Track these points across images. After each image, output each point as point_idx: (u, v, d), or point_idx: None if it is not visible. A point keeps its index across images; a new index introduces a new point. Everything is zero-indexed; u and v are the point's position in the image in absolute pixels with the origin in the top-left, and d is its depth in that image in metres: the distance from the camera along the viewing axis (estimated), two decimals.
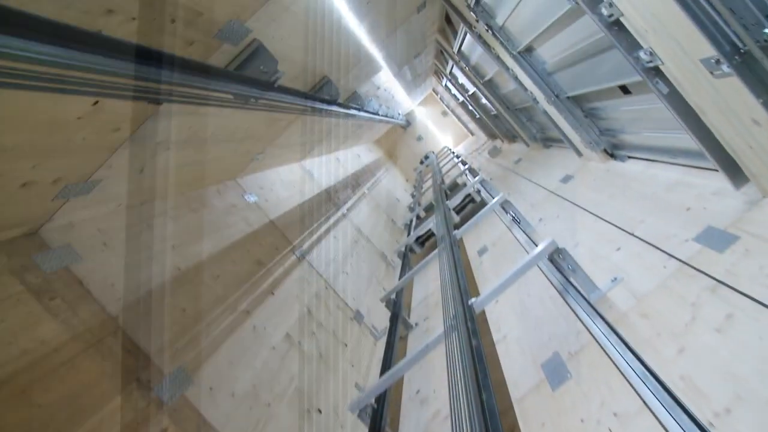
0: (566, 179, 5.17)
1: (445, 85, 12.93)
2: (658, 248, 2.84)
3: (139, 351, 2.78)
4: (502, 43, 4.54)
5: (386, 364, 3.86)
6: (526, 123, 7.25)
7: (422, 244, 6.28)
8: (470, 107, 11.74)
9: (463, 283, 3.20)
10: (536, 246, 3.96)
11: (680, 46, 2.03)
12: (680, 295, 2.34)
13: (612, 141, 4.50)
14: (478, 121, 13.04)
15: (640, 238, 3.07)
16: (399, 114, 15.22)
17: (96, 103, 2.02)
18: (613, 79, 3.34)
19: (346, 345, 4.78)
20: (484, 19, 4.44)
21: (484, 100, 9.19)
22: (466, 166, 8.38)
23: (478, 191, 5.80)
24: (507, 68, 5.16)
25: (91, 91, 1.76)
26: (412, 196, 12.77)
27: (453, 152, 13.74)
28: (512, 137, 9.90)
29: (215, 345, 3.29)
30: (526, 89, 5.14)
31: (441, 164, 13.52)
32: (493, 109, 8.58)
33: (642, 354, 2.18)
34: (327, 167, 9.49)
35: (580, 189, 4.60)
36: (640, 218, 3.28)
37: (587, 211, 4.06)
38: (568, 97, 4.45)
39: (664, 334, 2.20)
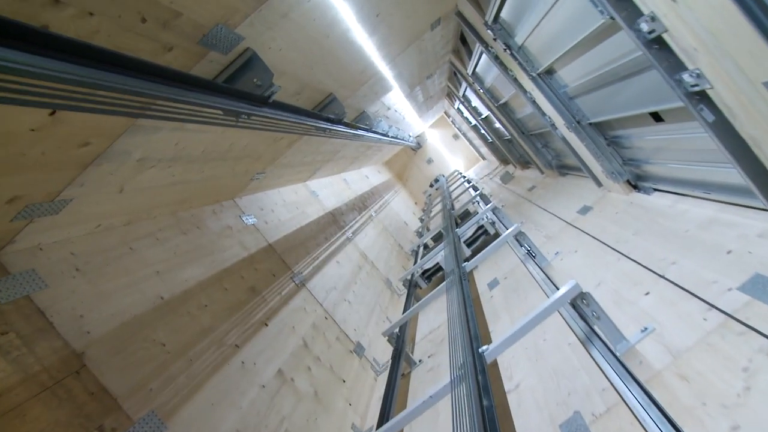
0: (584, 210, 4.84)
1: (458, 107, 12.69)
2: (695, 295, 2.50)
3: (105, 393, 2.46)
4: (520, 64, 4.26)
5: (385, 410, 3.52)
6: (542, 149, 6.94)
7: (429, 278, 5.95)
8: (483, 131, 11.46)
9: (473, 327, 2.87)
10: (553, 284, 3.66)
11: (738, 67, 1.72)
12: (728, 356, 2.00)
13: (636, 171, 4.19)
14: (491, 146, 12.76)
15: (672, 282, 2.74)
16: (409, 136, 14.98)
17: (53, 113, 1.73)
18: (644, 105, 3.03)
19: (344, 381, 4.44)
20: (502, 38, 4.16)
21: (497, 124, 8.91)
22: (478, 192, 8.07)
23: (492, 223, 5.47)
24: (524, 91, 4.87)
25: (43, 102, 1.47)
26: (421, 220, 12.45)
27: (464, 176, 13.45)
28: (526, 163, 9.60)
29: (197, 384, 2.96)
30: (544, 114, 4.84)
31: (451, 188, 13.23)
32: (507, 134, 8.30)
33: (684, 427, 1.84)
34: (333, 188, 9.21)
35: (601, 222, 4.28)
36: (671, 259, 2.95)
37: (609, 246, 3.73)
38: (591, 124, 4.15)
39: (710, 405, 1.86)
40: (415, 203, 18.84)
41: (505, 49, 4.24)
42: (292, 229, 6.02)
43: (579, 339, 2.85)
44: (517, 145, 8.24)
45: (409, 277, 6.43)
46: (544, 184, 7.26)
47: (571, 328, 2.99)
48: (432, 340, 4.92)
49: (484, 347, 2.54)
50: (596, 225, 4.28)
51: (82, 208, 2.67)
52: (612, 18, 2.31)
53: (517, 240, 4.41)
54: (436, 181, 18.75)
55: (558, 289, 3.27)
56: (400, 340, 4.55)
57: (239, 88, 2.41)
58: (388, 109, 7.75)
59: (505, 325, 3.86)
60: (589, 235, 4.22)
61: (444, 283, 4.44)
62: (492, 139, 10.74)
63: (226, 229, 4.61)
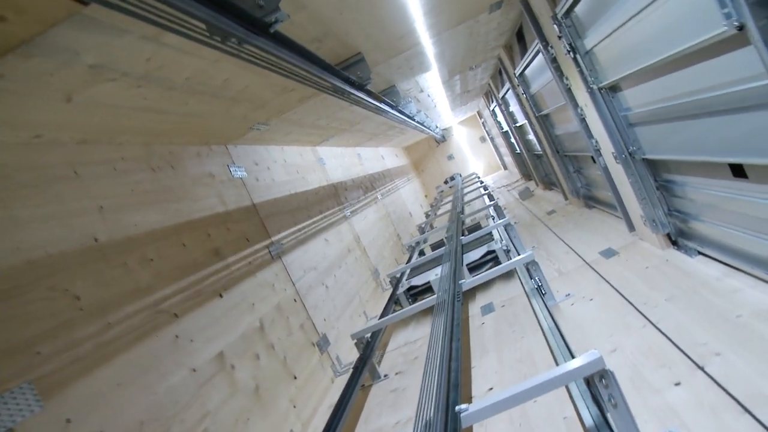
0: (608, 254, 4.25)
1: (493, 109, 12.02)
2: (745, 409, 1.92)
3: None
4: (581, 72, 3.64)
5: (332, 426, 2.96)
6: (573, 173, 6.33)
7: (415, 296, 5.17)
8: (513, 139, 10.81)
9: (455, 371, 2.30)
10: (560, 333, 3.06)
11: None
12: None
13: (680, 226, 3.59)
14: (517, 157, 12.11)
15: (714, 380, 2.16)
16: (436, 126, 14.34)
17: None
18: (731, 153, 2.42)
19: (295, 378, 3.89)
20: (569, 37, 3.54)
21: (531, 136, 8.27)
22: (492, 203, 7.47)
23: (507, 250, 4.84)
24: (576, 105, 4.26)
25: None
26: (427, 215, 11.86)
27: (481, 181, 12.83)
28: (550, 184, 8.98)
29: (106, 356, 2.40)
30: (591, 136, 4.23)
31: (465, 190, 12.62)
32: (539, 149, 7.67)
33: None
34: (344, 160, 8.63)
35: (626, 273, 3.69)
36: (715, 347, 2.37)
37: (633, 306, 3.15)
38: (644, 160, 3.54)
39: None
40: (425, 196, 18.24)
41: (568, 51, 3.62)
42: (285, 193, 5.44)
43: (580, 417, 2.27)
44: (547, 163, 7.61)
45: (398, 275, 5.86)
46: (565, 212, 6.65)
47: (572, 400, 2.41)
48: (405, 353, 4.35)
49: (463, 407, 1.96)
50: (620, 275, 3.69)
51: (10, 109, 2.09)
52: (740, 27, 1.71)
53: (528, 269, 3.82)
54: (452, 179, 18.15)
55: (567, 346, 2.69)
56: (369, 348, 3.98)
57: (232, 1, 1.82)
58: (421, 91, 7.12)
59: (491, 364, 3.29)
60: (609, 284, 3.63)
61: (434, 297, 3.87)
62: (521, 150, 10.10)
63: (206, 176, 4.03)
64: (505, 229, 5.55)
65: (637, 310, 3.07)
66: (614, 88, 3.46)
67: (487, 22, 4.76)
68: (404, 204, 12.69)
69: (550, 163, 7.13)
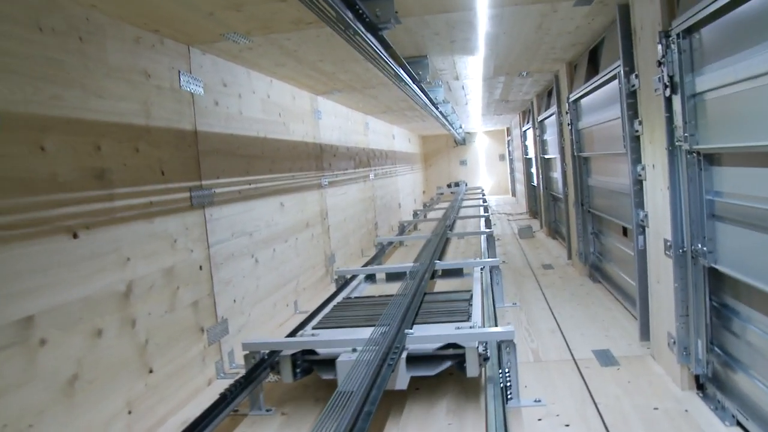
0: (605, 358, 3.24)
1: (524, 131, 10.91)
2: None
3: None
4: (670, 121, 2.58)
5: None
6: (589, 235, 5.28)
7: (307, 370, 3.09)
8: (534, 170, 9.74)
9: None
10: None
11: None
12: None
13: (718, 369, 2.57)
14: (531, 189, 11.04)
15: None
16: (460, 127, 13.23)
17: None
18: None
19: (150, 371, 2.85)
20: (675, 66, 2.46)
21: (556, 174, 7.21)
22: (488, 231, 6.41)
23: (485, 357, 2.72)
24: (636, 161, 3.22)
25: None
26: (415, 214, 10.81)
27: (484, 199, 11.77)
28: (556, 232, 7.93)
29: None
30: (640, 206, 3.20)
31: (464, 203, 11.56)
32: (560, 192, 6.60)
33: None
34: (346, 123, 7.54)
35: (624, 403, 2.67)
36: None
37: None
38: (710, 269, 2.49)
39: None
40: (423, 192, 17.17)
41: (665, 86, 2.54)
42: (251, 133, 4.35)
43: None
44: (563, 210, 6.56)
45: (348, 277, 4.80)
46: (564, 272, 5.62)
47: None
48: (307, 385, 3.31)
49: None
50: (615, 404, 2.67)
51: None
52: None
53: (499, 347, 2.78)
54: (457, 185, 17.11)
55: None
56: (262, 368, 2.93)
57: None
58: (456, 78, 6.02)
59: None
60: (598, 411, 2.61)
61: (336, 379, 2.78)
62: (538, 184, 9.03)
63: (135, 72, 2.95)
64: (490, 271, 4.52)
65: None
66: (713, 159, 2.39)
67: (564, 18, 3.67)
68: (397, 192, 11.62)
69: (567, 211, 6.08)
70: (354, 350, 2.72)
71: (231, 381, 2.83)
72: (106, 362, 2.52)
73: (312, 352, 2.89)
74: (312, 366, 2.93)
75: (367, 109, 8.22)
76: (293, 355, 2.87)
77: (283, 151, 4.99)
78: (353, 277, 4.79)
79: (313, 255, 5.63)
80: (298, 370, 2.88)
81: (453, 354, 2.72)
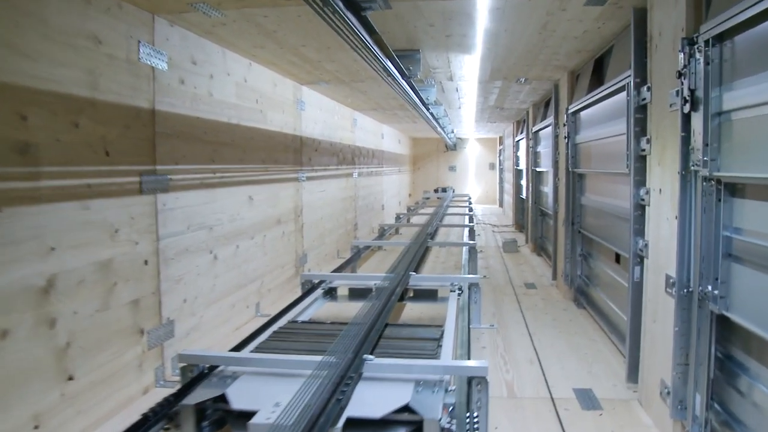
0: (587, 400, 2.91)
1: (517, 141, 10.57)
2: None
3: None
4: (686, 141, 2.24)
5: None
6: (578, 257, 4.96)
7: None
8: (524, 182, 9.42)
9: None
10: None
11: None
12: None
13: (718, 430, 2.24)
14: (519, 201, 10.73)
15: None
16: (452, 132, 12.89)
17: None
18: None
19: (70, 378, 2.47)
20: (701, 79, 2.13)
21: (547, 188, 6.89)
22: (471, 243, 6.07)
23: (450, 421, 2.14)
24: (640, 183, 2.89)
25: None
26: (398, 218, 10.45)
27: (470, 209, 11.44)
28: (542, 249, 7.61)
29: None
30: (640, 234, 2.88)
31: (449, 210, 11.23)
32: (550, 208, 6.28)
33: None
34: (332, 117, 7.17)
35: None
36: None
37: None
38: (720, 316, 2.15)
39: None
40: (409, 195, 16.82)
41: (684, 102, 2.20)
42: (222, 118, 3.97)
43: None
44: (551, 227, 6.24)
45: (315, 281, 4.43)
46: (547, 294, 5.29)
47: None
48: None
49: None
50: None
51: None
52: None
53: (469, 383, 2.42)
54: (444, 190, 16.82)
55: None
56: (200, 381, 2.56)
57: None
58: (450, 79, 5.67)
59: None
60: None
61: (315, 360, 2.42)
62: (527, 197, 8.72)
63: (83, 36, 2.57)
64: (469, 288, 4.18)
65: None
66: (735, 189, 2.06)
67: (573, 19, 3.33)
68: (381, 193, 11.26)
69: (556, 229, 5.76)
70: (277, 405, 2.02)
71: (172, 390, 2.46)
72: (10, 368, 2.14)
73: (223, 398, 2.31)
74: (226, 418, 2.26)
75: (355, 104, 7.85)
76: (198, 404, 2.18)
77: (258, 141, 4.61)
78: (320, 282, 4.41)
79: (282, 254, 5.25)
80: (205, 424, 2.21)
81: (408, 420, 2.21)
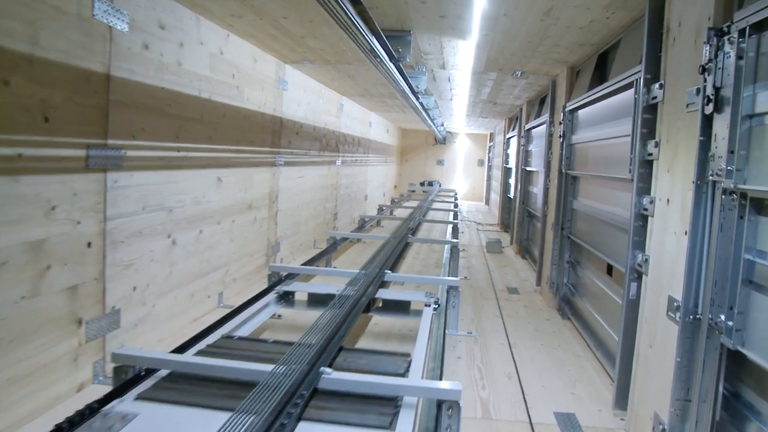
0: (568, 426, 2.64)
1: (508, 139, 10.28)
2: None
3: None
4: (705, 148, 1.96)
5: None
6: (565, 264, 4.68)
7: None
8: (513, 181, 9.15)
9: None
10: None
11: None
12: None
13: None
14: (505, 200, 10.46)
15: None
16: (442, 124, 12.58)
17: None
18: None
19: None
20: (729, 76, 1.84)
21: (536, 189, 6.60)
22: (454, 241, 5.78)
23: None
24: (643, 191, 2.61)
25: None
26: (380, 209, 10.14)
27: (456, 204, 11.15)
28: (527, 252, 7.35)
29: None
30: (640, 248, 2.60)
31: (434, 205, 10.95)
32: (539, 211, 6.00)
33: None
34: (317, 100, 6.82)
35: None
36: None
37: None
38: (731, 351, 1.87)
39: None
40: (395, 186, 16.52)
41: (706, 102, 1.91)
42: (191, 91, 3.63)
43: None
44: (538, 230, 5.96)
45: (283, 275, 4.12)
46: (530, 302, 5.01)
47: None
48: None
49: None
50: None
51: None
52: None
53: (439, 410, 2.13)
54: (430, 184, 16.55)
55: None
56: (133, 383, 2.24)
57: None
58: (443, 67, 5.35)
59: None
60: None
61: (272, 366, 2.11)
62: (515, 197, 8.44)
63: None
64: (447, 291, 3.90)
65: None
66: (762, 206, 1.77)
67: (580, 6, 3.03)
68: (365, 183, 10.94)
69: (543, 232, 5.48)
70: None
71: (110, 387, 2.15)
72: None
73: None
74: None
75: (342, 89, 7.50)
76: None
77: (231, 119, 4.27)
78: (289, 274, 4.09)
79: (252, 241, 4.92)
80: None
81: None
